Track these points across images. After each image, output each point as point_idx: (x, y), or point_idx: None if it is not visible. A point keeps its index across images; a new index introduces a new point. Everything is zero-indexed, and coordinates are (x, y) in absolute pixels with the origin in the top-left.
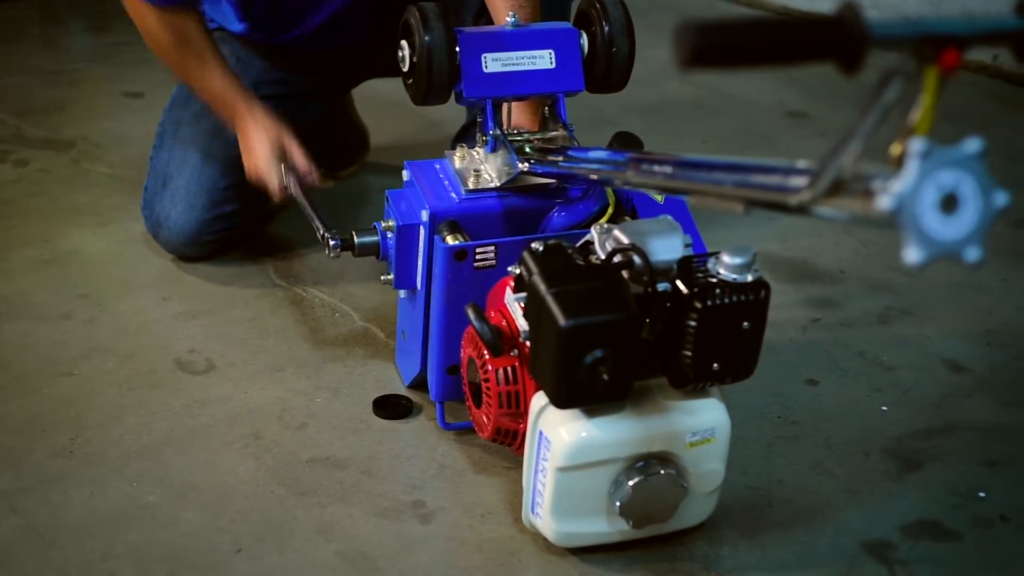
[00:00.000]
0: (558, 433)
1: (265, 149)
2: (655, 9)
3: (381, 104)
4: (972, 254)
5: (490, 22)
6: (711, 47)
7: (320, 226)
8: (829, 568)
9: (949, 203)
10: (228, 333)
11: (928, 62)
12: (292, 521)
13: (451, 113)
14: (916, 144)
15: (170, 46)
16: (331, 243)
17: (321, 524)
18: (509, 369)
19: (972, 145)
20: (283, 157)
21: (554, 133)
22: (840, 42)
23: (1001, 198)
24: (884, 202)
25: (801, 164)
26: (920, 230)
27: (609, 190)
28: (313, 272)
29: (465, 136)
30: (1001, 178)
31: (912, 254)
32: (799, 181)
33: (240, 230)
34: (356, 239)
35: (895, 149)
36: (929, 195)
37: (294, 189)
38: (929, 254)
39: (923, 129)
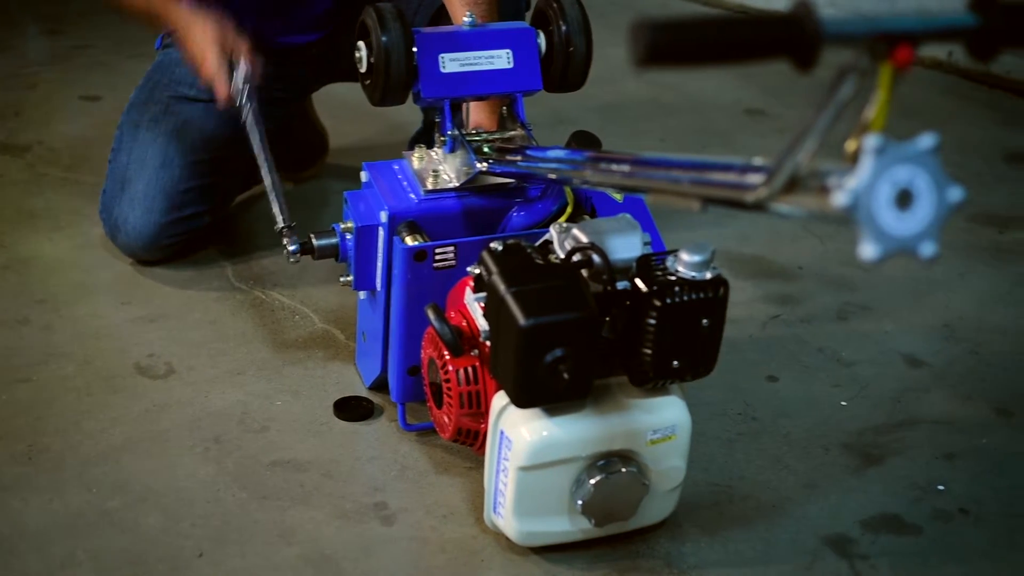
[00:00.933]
0: (519, 432)
1: (212, 47)
2: (613, 8)
3: (340, 106)
4: (927, 249)
5: (449, 23)
6: (666, 45)
7: (280, 214)
8: (790, 563)
9: (904, 199)
10: (187, 337)
11: (882, 59)
12: (253, 525)
13: (410, 114)
14: (871, 140)
15: None
16: (290, 248)
17: (283, 527)
18: (470, 369)
19: (926, 141)
20: (229, 56)
21: (512, 133)
22: (794, 40)
23: (955, 193)
24: (839, 198)
25: (757, 161)
26: (875, 226)
27: (568, 189)
28: (272, 274)
29: (423, 137)
30: (956, 173)
31: (868, 250)
32: (755, 178)
33: (200, 233)
34: (315, 242)
35: (850, 145)
36: (884, 191)
37: (243, 94)
38: (885, 250)
39: (878, 125)
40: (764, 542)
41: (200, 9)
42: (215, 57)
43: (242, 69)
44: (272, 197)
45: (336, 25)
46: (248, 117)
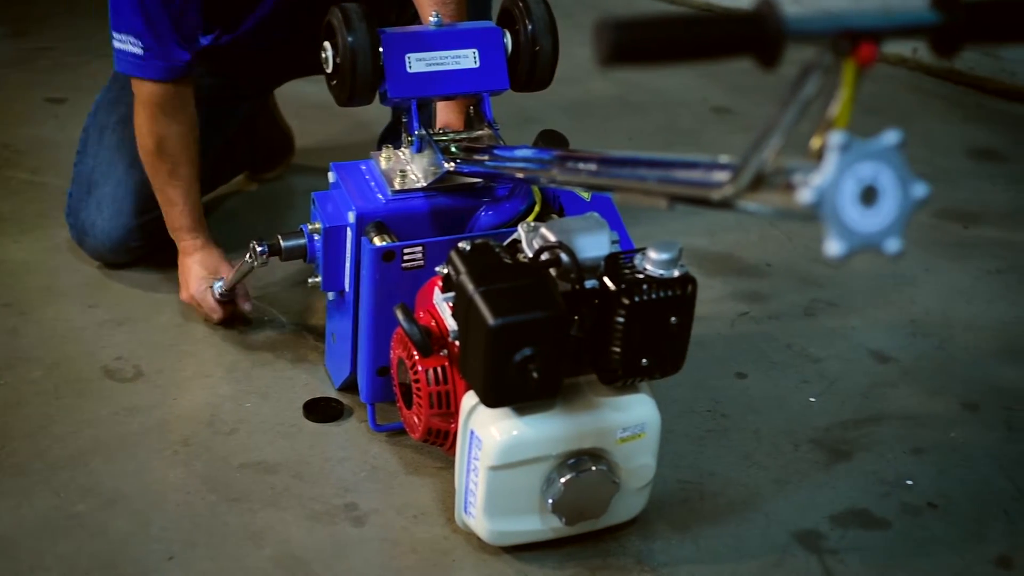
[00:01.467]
0: (489, 432)
1: (199, 283)
2: (580, 7)
3: (306, 106)
4: (892, 245)
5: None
6: (630, 44)
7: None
8: (761, 559)
9: (869, 195)
10: (155, 339)
11: (845, 56)
12: (224, 527)
13: (377, 114)
14: (835, 137)
15: (149, 152)
16: (257, 249)
17: (253, 529)
18: (439, 369)
19: (890, 137)
20: (212, 281)
21: (479, 132)
22: (758, 38)
23: (920, 189)
24: (805, 195)
25: (723, 159)
26: (841, 222)
27: (535, 188)
28: (246, 283)
29: (391, 137)
30: (921, 169)
31: (833, 247)
32: (721, 176)
33: (167, 235)
34: (282, 243)
35: (815, 142)
36: (849, 188)
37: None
38: (850, 246)
39: (842, 122)
40: (734, 538)
41: (204, 244)
42: (199, 285)
43: (220, 285)
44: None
45: (294, 18)
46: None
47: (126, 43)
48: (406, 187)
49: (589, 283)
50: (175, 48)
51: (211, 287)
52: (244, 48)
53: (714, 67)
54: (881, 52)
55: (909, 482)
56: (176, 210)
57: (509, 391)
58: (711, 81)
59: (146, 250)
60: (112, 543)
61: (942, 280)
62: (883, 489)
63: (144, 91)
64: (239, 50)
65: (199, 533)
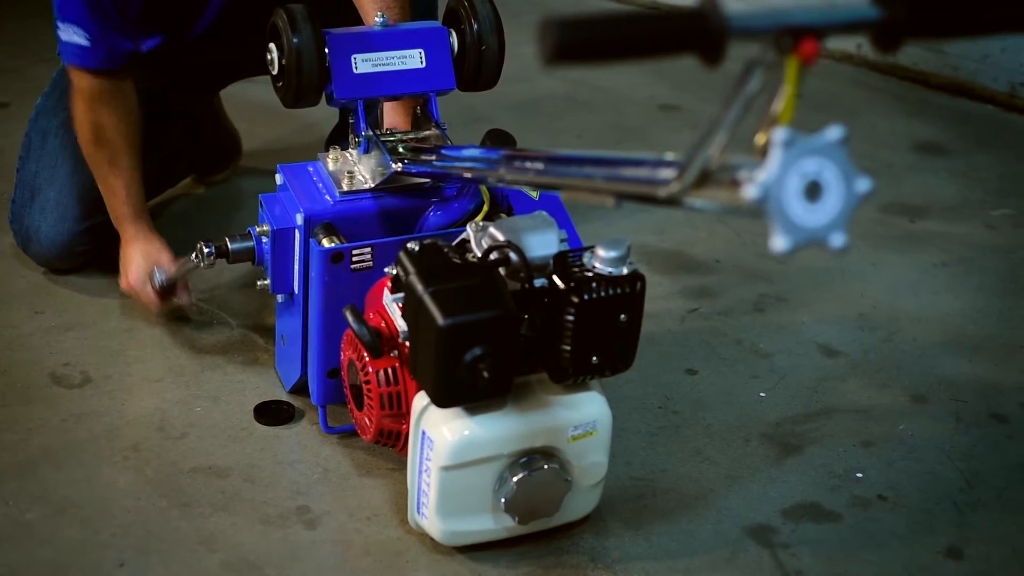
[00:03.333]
0: (440, 432)
1: (138, 271)
2: (527, 6)
3: (253, 108)
4: (837, 240)
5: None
6: (574, 43)
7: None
8: (713, 554)
9: (813, 191)
10: (103, 345)
11: (787, 52)
12: (175, 533)
13: (325, 115)
14: (779, 133)
15: (87, 141)
16: (204, 251)
17: (205, 534)
18: (389, 370)
19: (834, 133)
20: (152, 270)
21: (427, 132)
22: (700, 35)
23: (863, 184)
24: (749, 191)
25: (669, 156)
26: (786, 218)
27: (484, 188)
28: (189, 279)
29: (338, 138)
30: (866, 164)
31: (778, 242)
32: (667, 173)
33: (113, 239)
34: (230, 245)
35: (759, 139)
36: (793, 183)
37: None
38: (795, 241)
39: (786, 118)
40: (687, 534)
41: (145, 233)
42: (138, 274)
43: (160, 275)
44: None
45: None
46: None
47: (71, 34)
48: (354, 188)
49: (538, 282)
50: (119, 38)
51: (151, 277)
52: (189, 51)
53: (662, 65)
54: (824, 48)
55: (859, 475)
56: (117, 199)
57: (460, 391)
58: (659, 79)
59: (92, 255)
60: (62, 551)
61: (889, 274)
62: (833, 482)
63: (84, 81)
64: (184, 53)
65: (150, 539)
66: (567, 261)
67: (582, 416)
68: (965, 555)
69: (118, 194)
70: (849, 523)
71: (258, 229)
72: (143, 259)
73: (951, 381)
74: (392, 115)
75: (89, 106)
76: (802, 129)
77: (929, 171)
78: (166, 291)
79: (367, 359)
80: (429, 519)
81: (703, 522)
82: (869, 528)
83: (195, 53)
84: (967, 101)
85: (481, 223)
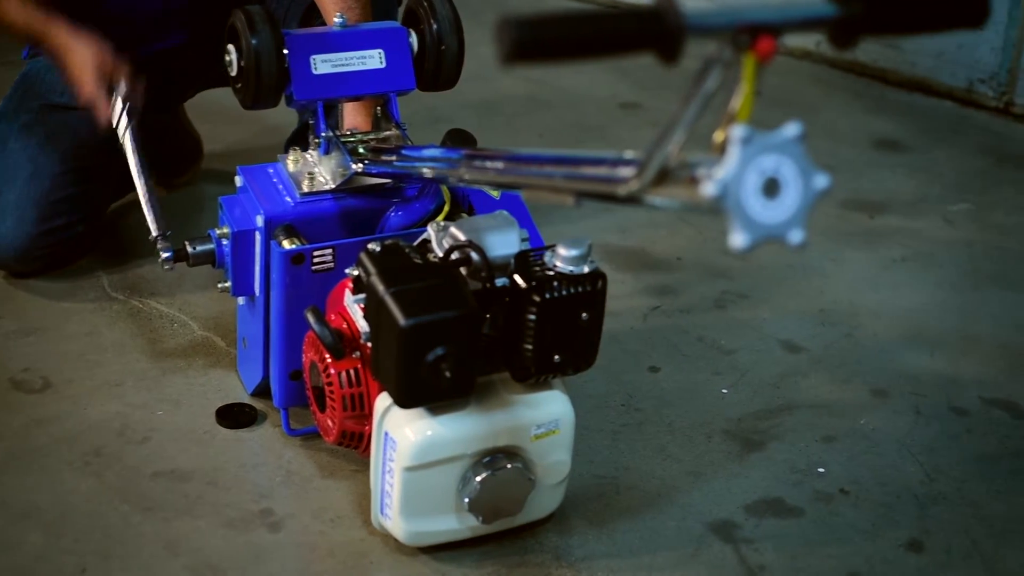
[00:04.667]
0: (403, 433)
1: (91, 70)
2: (486, 6)
3: (214, 110)
4: (796, 236)
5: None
6: (531, 42)
7: (154, 223)
8: (677, 550)
9: (771, 187)
10: (64, 349)
11: (744, 50)
12: (138, 537)
13: (288, 117)
14: (737, 131)
15: None
16: (163, 255)
17: (168, 539)
18: (352, 371)
19: (791, 130)
20: (110, 79)
21: (387, 133)
22: (657, 33)
23: (821, 180)
24: (708, 189)
25: (628, 155)
26: (744, 215)
27: (445, 188)
28: (149, 283)
29: (299, 140)
30: (825, 161)
31: (737, 239)
32: (627, 172)
33: (74, 243)
34: (190, 248)
35: (718, 136)
36: (751, 180)
37: (122, 113)
38: (754, 238)
39: (743, 115)
40: (650, 531)
41: (79, 32)
42: (94, 80)
43: (121, 89)
44: (146, 207)
45: (201, 30)
46: (125, 134)
47: None
48: (314, 189)
49: (500, 281)
50: None
51: (114, 94)
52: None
53: (622, 63)
54: (782, 45)
55: (821, 470)
56: (21, 12)
57: (422, 391)
58: (620, 77)
59: (52, 259)
60: (24, 557)
61: (849, 269)
62: (795, 477)
63: None
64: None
65: (112, 544)
66: (528, 260)
67: (545, 415)
68: (926, 547)
69: (20, 9)
70: (811, 517)
71: (218, 231)
72: (92, 59)
73: (911, 375)
74: (352, 116)
75: None
76: (762, 126)
77: (888, 167)
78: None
79: (329, 361)
80: (393, 520)
81: (666, 519)
82: (831, 522)
83: (158, 67)
84: (925, 97)
85: (442, 223)
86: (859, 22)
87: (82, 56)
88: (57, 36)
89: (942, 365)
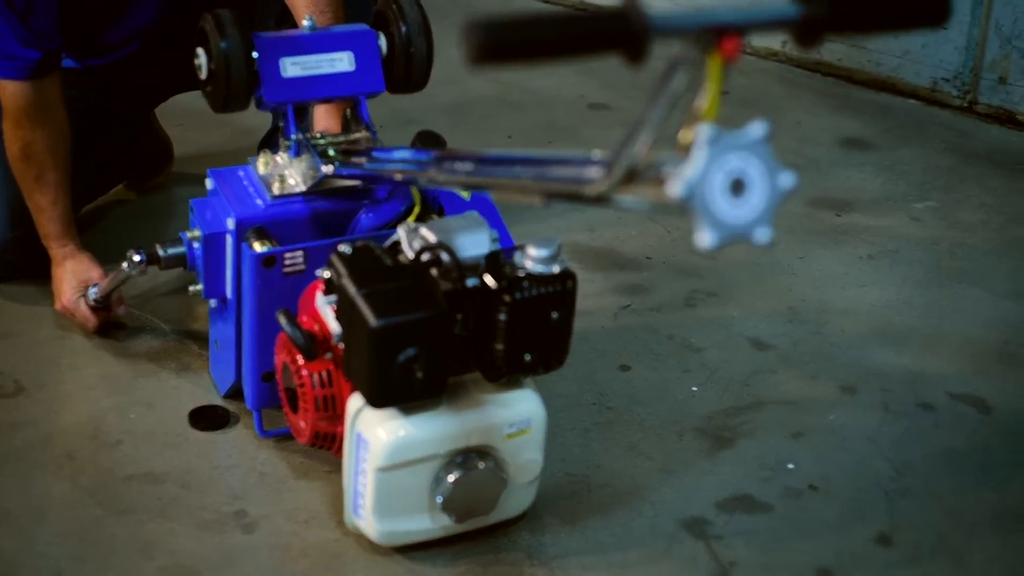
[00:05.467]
0: (376, 433)
1: (71, 291)
2: (455, 8)
3: (185, 113)
4: (762, 235)
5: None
6: (498, 43)
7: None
8: (649, 547)
9: (737, 187)
10: (36, 354)
11: (710, 51)
12: (112, 540)
13: (259, 120)
14: (703, 130)
15: (15, 159)
16: (135, 258)
17: (142, 541)
18: (324, 373)
19: (757, 129)
20: (85, 288)
21: (357, 135)
22: (623, 34)
23: (787, 179)
24: (675, 188)
25: (596, 155)
26: (711, 214)
27: (415, 189)
28: (121, 290)
29: (270, 142)
30: (792, 160)
31: (704, 238)
32: (595, 172)
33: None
34: (161, 251)
35: (684, 136)
36: (718, 179)
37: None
38: (721, 237)
39: (710, 115)
40: (623, 528)
41: (74, 253)
42: (71, 294)
43: (93, 292)
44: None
45: (168, 34)
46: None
47: None
48: (285, 192)
49: (471, 282)
50: (20, 47)
51: (84, 295)
52: (121, 69)
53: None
54: (747, 45)
55: (790, 466)
56: (44, 217)
57: (394, 392)
58: (588, 78)
59: (22, 263)
60: None
61: (817, 267)
62: (765, 474)
63: (6, 93)
64: (110, 73)
65: (87, 547)
66: (499, 261)
67: (516, 414)
68: (894, 541)
69: (45, 211)
70: (781, 513)
71: (189, 234)
72: (74, 278)
73: (879, 371)
74: (324, 118)
75: (17, 121)
76: (728, 126)
77: (854, 166)
78: (101, 306)
79: (301, 362)
80: (366, 520)
81: (638, 516)
82: (801, 518)
83: (127, 71)
84: (891, 96)
85: (413, 224)
86: (823, 22)
87: (67, 283)
88: (55, 257)
89: (909, 361)
